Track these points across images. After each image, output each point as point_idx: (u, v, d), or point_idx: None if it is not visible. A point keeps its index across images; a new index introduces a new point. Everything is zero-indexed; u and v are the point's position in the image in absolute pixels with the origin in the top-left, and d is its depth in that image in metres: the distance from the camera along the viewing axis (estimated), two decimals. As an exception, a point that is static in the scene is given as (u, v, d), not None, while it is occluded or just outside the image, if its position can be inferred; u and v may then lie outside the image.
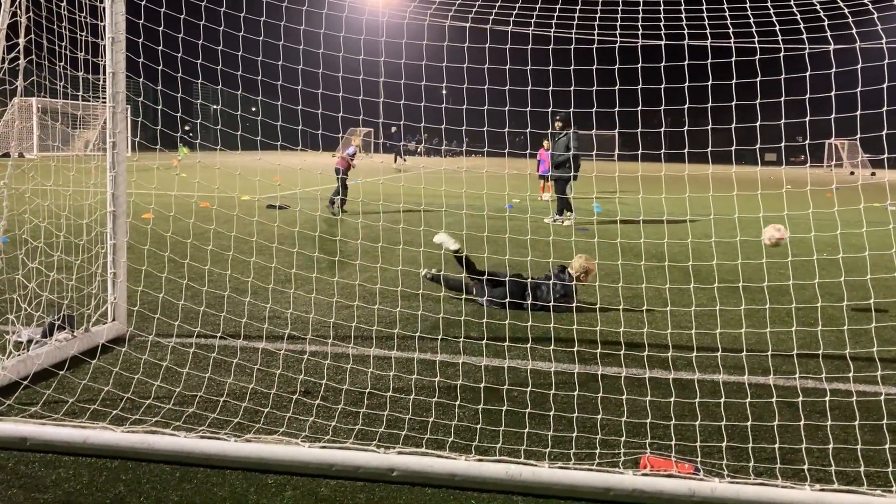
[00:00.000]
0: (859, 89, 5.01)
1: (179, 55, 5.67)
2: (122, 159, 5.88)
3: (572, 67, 5.46)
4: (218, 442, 3.96)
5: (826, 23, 4.99)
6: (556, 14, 5.25)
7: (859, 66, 4.97)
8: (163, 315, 5.97)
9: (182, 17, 5.57)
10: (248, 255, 7.49)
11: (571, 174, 14.55)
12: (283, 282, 7.87)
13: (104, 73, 5.75)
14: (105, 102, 5.77)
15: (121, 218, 5.85)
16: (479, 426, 4.42)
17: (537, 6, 5.29)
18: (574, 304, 7.33)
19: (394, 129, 32.01)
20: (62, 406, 4.52)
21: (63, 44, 5.56)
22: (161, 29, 5.54)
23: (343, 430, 4.33)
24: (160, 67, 5.69)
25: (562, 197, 15.32)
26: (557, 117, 14.79)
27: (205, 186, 15.91)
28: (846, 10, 4.91)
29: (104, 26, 5.67)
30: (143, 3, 5.55)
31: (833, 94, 5.01)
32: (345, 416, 4.56)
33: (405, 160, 37.39)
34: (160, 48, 5.60)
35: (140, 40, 5.56)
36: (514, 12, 5.32)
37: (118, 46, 5.69)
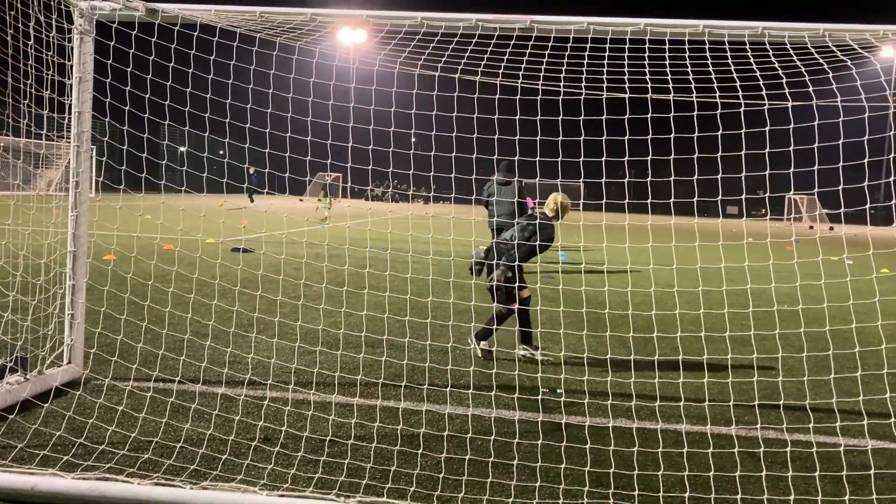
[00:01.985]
0: (816, 145, 5.16)
1: (147, 96, 5.65)
2: (85, 199, 5.81)
3: (538, 118, 5.55)
4: (172, 489, 3.86)
5: (784, 80, 5.16)
6: (523, 65, 5.35)
7: (816, 122, 5.13)
8: (121, 358, 5.84)
9: (151, 58, 5.57)
10: (210, 298, 7.38)
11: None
12: (245, 326, 7.77)
13: (69, 112, 5.71)
14: (69, 141, 5.71)
15: (81, 258, 5.76)
16: (441, 475, 4.36)
17: (505, 58, 5.39)
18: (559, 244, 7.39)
19: (252, 170, 32.26)
20: (10, 451, 4.37)
21: (28, 82, 5.51)
22: (129, 69, 5.52)
23: (303, 479, 4.24)
24: (127, 108, 5.67)
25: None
26: None
27: (168, 228, 15.76)
28: (803, 69, 5.08)
29: (71, 65, 5.65)
30: (112, 43, 5.55)
31: (791, 149, 5.16)
32: (305, 463, 4.47)
33: (252, 201, 36.62)
34: (128, 88, 5.59)
35: (108, 80, 5.55)
36: (483, 63, 5.41)
37: (85, 86, 5.67)
